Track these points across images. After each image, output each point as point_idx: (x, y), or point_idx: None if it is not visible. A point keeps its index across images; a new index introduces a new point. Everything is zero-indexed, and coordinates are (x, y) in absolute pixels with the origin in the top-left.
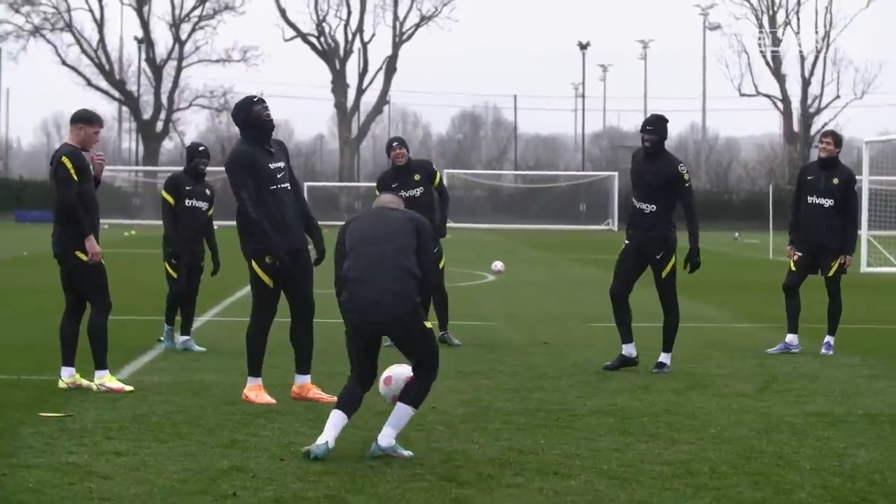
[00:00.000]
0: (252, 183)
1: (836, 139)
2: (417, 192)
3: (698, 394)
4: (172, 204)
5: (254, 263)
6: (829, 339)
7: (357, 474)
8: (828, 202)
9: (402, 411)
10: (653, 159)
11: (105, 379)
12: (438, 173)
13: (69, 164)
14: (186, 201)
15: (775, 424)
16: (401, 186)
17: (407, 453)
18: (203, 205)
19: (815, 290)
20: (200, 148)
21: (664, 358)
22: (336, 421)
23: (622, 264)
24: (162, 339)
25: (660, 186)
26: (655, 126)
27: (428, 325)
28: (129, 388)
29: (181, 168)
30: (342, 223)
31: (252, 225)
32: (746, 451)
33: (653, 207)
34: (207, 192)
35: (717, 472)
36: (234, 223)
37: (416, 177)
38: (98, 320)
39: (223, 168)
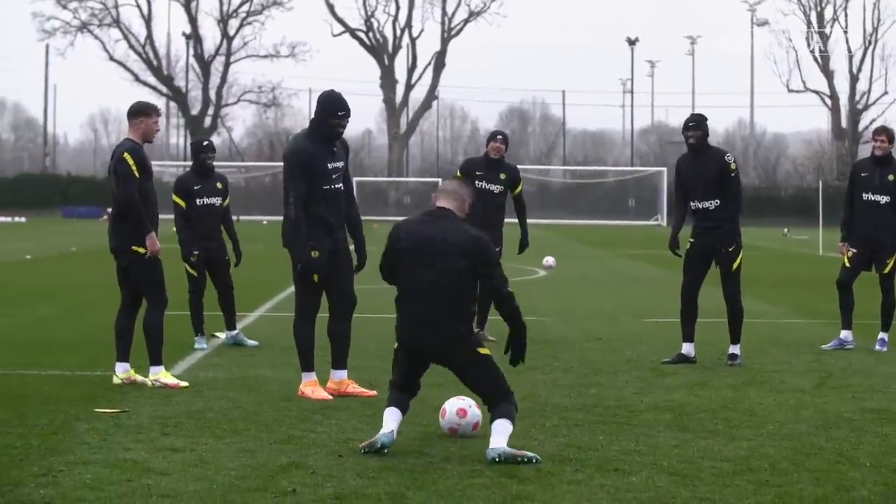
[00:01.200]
0: (304, 183)
1: (890, 135)
2: (496, 188)
3: (755, 390)
4: (184, 207)
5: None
6: (882, 335)
7: (417, 471)
8: (884, 199)
9: (500, 427)
10: (702, 156)
11: (160, 375)
12: (521, 183)
13: (131, 161)
14: (198, 200)
15: (833, 421)
16: (484, 177)
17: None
18: (216, 200)
19: (868, 286)
20: (205, 143)
21: (735, 349)
22: (393, 415)
23: (690, 263)
24: (196, 346)
25: (715, 180)
26: (698, 122)
27: (483, 351)
28: (184, 383)
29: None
30: (391, 218)
31: (290, 224)
32: (806, 447)
33: (716, 202)
34: (219, 185)
35: (777, 468)
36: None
37: (502, 175)
38: (154, 316)
39: (274, 162)
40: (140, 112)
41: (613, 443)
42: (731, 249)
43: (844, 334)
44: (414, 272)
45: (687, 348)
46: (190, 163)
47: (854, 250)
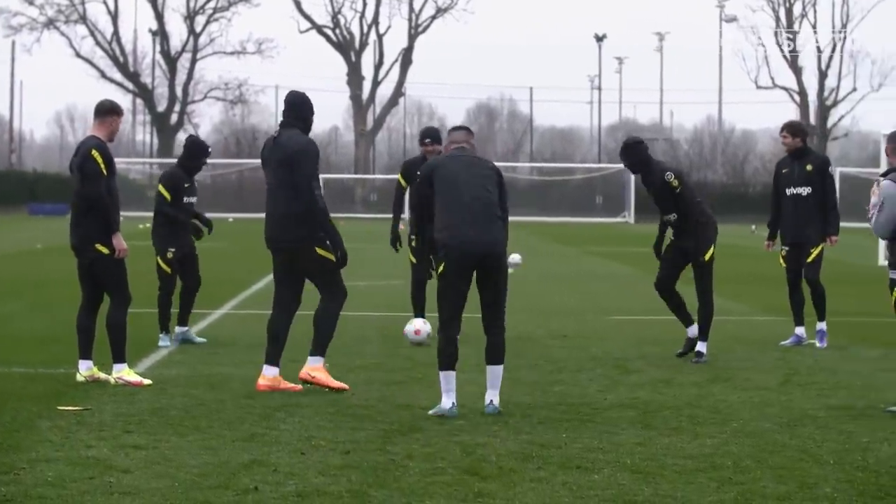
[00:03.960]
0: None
1: (793, 130)
2: None
3: (720, 387)
4: (169, 200)
5: (319, 249)
6: (821, 325)
7: (379, 468)
8: (805, 190)
9: (498, 372)
10: (644, 176)
11: (123, 372)
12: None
13: (99, 159)
14: (185, 199)
15: (798, 418)
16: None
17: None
18: (194, 199)
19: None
20: (210, 149)
21: (702, 347)
22: (451, 382)
23: (665, 258)
24: (160, 344)
25: (664, 198)
26: (625, 154)
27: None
28: (147, 381)
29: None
30: (357, 215)
31: (320, 215)
32: (770, 444)
33: (674, 216)
34: (195, 184)
35: (740, 466)
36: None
37: None
38: (118, 314)
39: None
40: (112, 111)
41: (576, 440)
42: (695, 250)
43: (799, 331)
44: (464, 193)
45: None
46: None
47: (786, 248)
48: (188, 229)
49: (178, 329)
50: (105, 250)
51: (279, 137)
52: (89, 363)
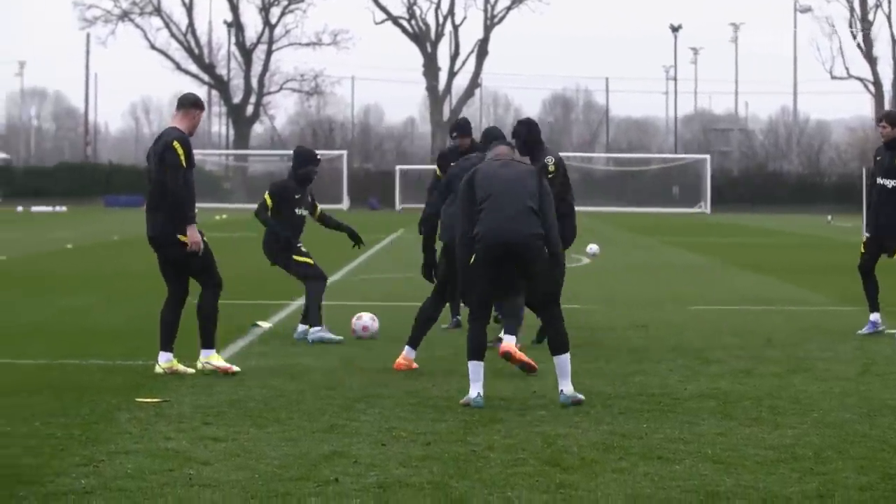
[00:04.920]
0: None
1: (892, 119)
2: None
3: (800, 377)
4: (269, 207)
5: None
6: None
7: (460, 459)
8: (891, 182)
9: (563, 361)
10: (532, 157)
11: (211, 357)
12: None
13: (181, 150)
14: (297, 210)
15: (877, 408)
16: None
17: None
18: (306, 212)
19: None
20: (318, 156)
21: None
22: (479, 372)
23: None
24: (310, 339)
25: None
26: (526, 127)
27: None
28: (235, 368)
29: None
30: None
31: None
32: (850, 435)
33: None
34: (310, 198)
35: (821, 456)
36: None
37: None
38: (209, 299)
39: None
40: (196, 105)
41: (657, 430)
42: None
43: (874, 317)
44: (503, 191)
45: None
46: (229, 150)
47: (867, 235)
48: (294, 239)
49: (300, 327)
50: (186, 240)
51: None
52: (169, 355)
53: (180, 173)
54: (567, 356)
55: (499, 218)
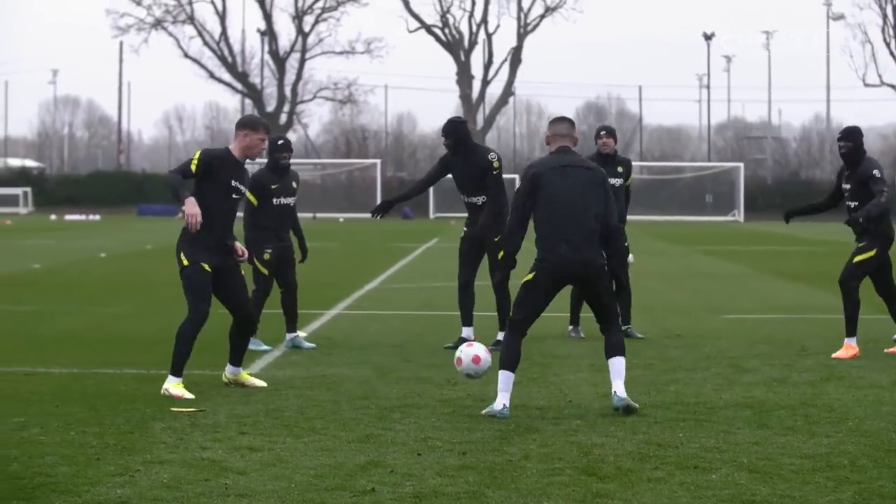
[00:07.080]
0: None
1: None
2: (617, 182)
3: (834, 386)
4: (255, 205)
5: None
6: None
7: (496, 469)
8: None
9: (616, 364)
10: (465, 154)
11: (171, 385)
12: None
13: (195, 156)
14: (275, 200)
15: None
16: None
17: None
18: (291, 200)
19: None
20: (280, 142)
21: None
22: (507, 382)
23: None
24: (251, 347)
25: (479, 177)
26: (455, 127)
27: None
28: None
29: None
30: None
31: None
32: (886, 443)
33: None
34: (294, 185)
35: (857, 465)
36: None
37: (620, 169)
38: (186, 324)
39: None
40: (245, 124)
41: (693, 440)
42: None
43: None
44: (566, 210)
45: None
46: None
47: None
48: (286, 234)
49: (287, 336)
50: (185, 261)
51: None
52: (238, 369)
53: (178, 170)
54: (623, 360)
55: (565, 245)
